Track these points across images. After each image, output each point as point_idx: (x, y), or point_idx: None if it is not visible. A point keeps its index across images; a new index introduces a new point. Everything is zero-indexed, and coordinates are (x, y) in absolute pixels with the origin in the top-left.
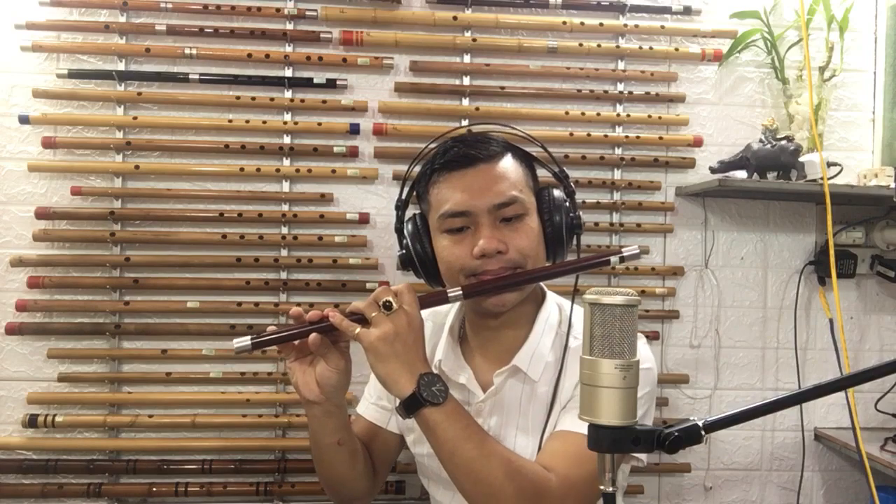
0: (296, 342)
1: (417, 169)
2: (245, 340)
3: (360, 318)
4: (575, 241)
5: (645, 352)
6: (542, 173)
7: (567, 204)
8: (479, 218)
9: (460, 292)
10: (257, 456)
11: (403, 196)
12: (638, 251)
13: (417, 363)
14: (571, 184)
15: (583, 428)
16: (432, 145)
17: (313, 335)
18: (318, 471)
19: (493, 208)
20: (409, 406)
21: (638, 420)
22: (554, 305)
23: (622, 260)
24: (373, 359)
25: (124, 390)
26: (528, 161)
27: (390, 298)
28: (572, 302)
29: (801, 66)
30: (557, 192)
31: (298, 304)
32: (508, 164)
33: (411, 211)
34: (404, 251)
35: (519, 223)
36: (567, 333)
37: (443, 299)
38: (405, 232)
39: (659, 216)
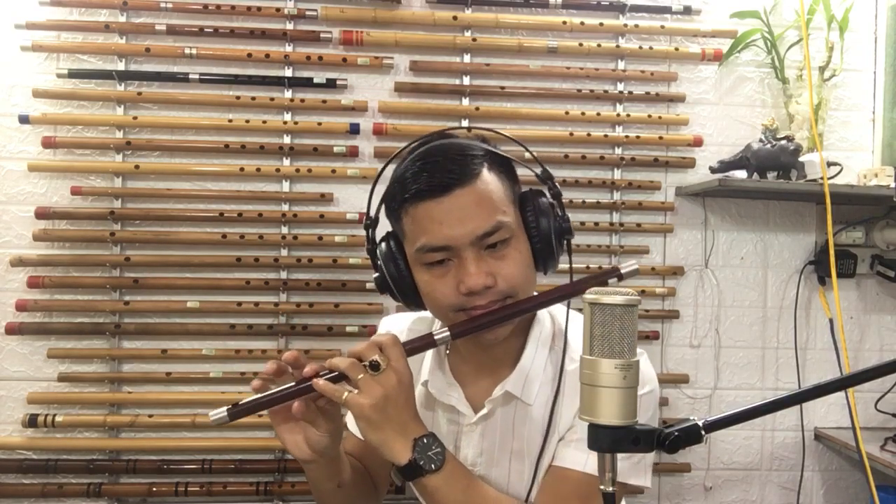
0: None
1: (391, 172)
2: (221, 412)
3: (343, 376)
4: (566, 246)
5: (647, 372)
6: (525, 172)
7: (553, 207)
8: (462, 251)
9: (447, 334)
10: (257, 456)
11: (372, 214)
12: (636, 267)
13: (411, 425)
14: (556, 184)
15: (584, 465)
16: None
17: (297, 404)
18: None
19: (476, 239)
20: (407, 473)
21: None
22: (546, 315)
23: (620, 278)
24: (364, 426)
25: (124, 390)
26: (507, 166)
27: (377, 358)
28: (567, 319)
29: (801, 65)
30: (542, 199)
31: (298, 305)
32: (488, 180)
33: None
34: (379, 275)
35: (505, 248)
36: (563, 353)
37: (429, 343)
38: (378, 253)
39: (659, 216)
